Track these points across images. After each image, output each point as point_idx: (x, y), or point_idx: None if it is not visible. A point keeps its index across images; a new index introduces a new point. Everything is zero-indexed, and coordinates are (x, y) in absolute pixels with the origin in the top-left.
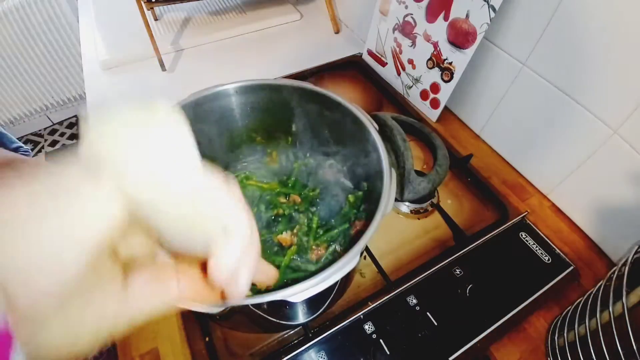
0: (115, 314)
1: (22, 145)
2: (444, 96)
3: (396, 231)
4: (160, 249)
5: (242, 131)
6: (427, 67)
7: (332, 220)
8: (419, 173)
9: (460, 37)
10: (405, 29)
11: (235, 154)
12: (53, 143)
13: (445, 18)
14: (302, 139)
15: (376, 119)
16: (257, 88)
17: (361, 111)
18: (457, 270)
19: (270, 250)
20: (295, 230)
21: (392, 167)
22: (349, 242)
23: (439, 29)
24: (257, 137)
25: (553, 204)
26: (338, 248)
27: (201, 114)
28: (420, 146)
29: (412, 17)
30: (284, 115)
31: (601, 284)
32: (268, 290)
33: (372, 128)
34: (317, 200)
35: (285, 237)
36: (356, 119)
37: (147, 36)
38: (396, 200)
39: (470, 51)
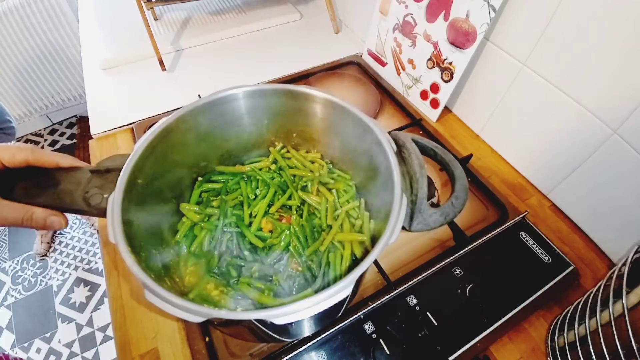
0: None
1: (11, 120)
2: (444, 96)
3: None
4: None
5: (250, 134)
6: (427, 67)
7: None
8: (432, 202)
9: (460, 37)
10: (405, 29)
11: (250, 153)
12: (53, 143)
13: (445, 18)
14: (315, 148)
15: (396, 139)
16: (266, 93)
17: (381, 129)
18: (457, 270)
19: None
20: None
21: (405, 193)
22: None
23: (439, 29)
24: (270, 141)
25: (553, 204)
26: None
27: (211, 116)
28: (437, 169)
29: (412, 17)
30: (298, 122)
31: (601, 284)
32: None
33: (389, 148)
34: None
35: (267, 224)
36: (375, 138)
37: (147, 36)
38: (403, 229)
39: (470, 51)
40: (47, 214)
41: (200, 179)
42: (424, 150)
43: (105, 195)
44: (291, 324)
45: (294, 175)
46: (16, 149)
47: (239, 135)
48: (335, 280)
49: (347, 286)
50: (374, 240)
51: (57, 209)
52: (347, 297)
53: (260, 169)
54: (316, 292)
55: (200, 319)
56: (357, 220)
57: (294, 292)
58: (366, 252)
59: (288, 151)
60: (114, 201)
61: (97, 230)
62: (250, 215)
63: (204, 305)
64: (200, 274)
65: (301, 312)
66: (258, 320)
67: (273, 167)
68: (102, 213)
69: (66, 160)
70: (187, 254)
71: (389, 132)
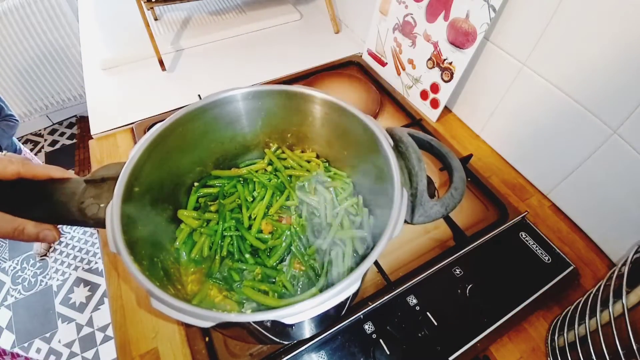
0: None
1: (12, 113)
2: (444, 96)
3: None
4: None
5: (245, 136)
6: (427, 67)
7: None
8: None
9: (460, 37)
10: (405, 29)
11: (245, 156)
12: (53, 143)
13: (445, 18)
14: (310, 147)
15: (392, 134)
16: (260, 94)
17: (377, 125)
18: (457, 270)
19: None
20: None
21: (404, 186)
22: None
23: (439, 29)
24: (264, 143)
25: (553, 204)
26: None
27: (205, 120)
28: (435, 163)
29: (412, 17)
30: (293, 121)
31: (601, 284)
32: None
33: (386, 144)
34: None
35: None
36: (371, 134)
37: (147, 36)
38: (405, 222)
39: (470, 51)
40: (40, 228)
41: (196, 184)
42: (420, 144)
43: (101, 205)
44: (292, 326)
45: (291, 176)
46: (7, 161)
47: (233, 138)
48: (339, 277)
49: (355, 281)
50: (374, 236)
51: (52, 221)
52: (355, 293)
53: (256, 171)
54: (321, 290)
55: (210, 324)
56: (357, 217)
57: (298, 292)
58: (368, 248)
59: (283, 152)
60: (113, 211)
61: (97, 231)
62: (250, 217)
63: (213, 310)
64: (202, 280)
65: (311, 310)
66: (259, 323)
67: (269, 168)
68: (98, 223)
69: (57, 172)
70: (188, 260)
71: (385, 128)
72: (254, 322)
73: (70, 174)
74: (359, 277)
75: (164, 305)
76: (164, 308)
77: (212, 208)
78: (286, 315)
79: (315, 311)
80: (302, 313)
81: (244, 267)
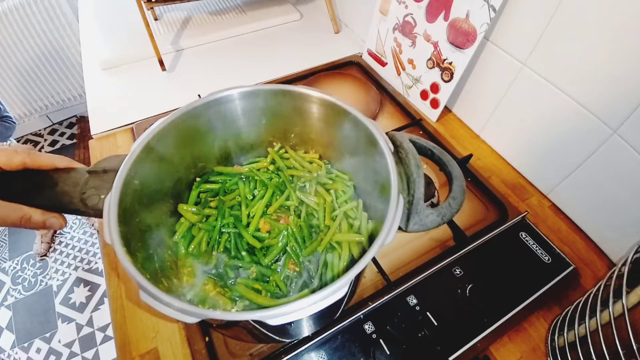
0: None
1: (9, 115)
2: (444, 96)
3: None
4: None
5: (248, 135)
6: (427, 67)
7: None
8: (432, 202)
9: (460, 37)
10: (405, 29)
11: (248, 154)
12: (53, 143)
13: (445, 18)
14: (314, 148)
15: (393, 139)
16: (263, 93)
17: (378, 129)
18: (457, 270)
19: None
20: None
21: (401, 193)
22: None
23: (439, 29)
24: (268, 142)
25: (553, 204)
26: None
27: (209, 117)
28: (438, 169)
29: (412, 17)
30: (296, 122)
31: (601, 284)
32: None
33: (386, 148)
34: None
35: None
36: (372, 138)
37: (147, 36)
38: (400, 229)
39: (470, 51)
40: (46, 217)
41: (198, 179)
42: (422, 151)
43: (102, 196)
44: (290, 324)
45: (292, 176)
46: (13, 152)
47: (237, 136)
48: (333, 280)
49: (341, 287)
50: (372, 240)
51: (55, 209)
52: (345, 297)
53: (258, 170)
54: (313, 292)
55: (194, 320)
56: (356, 220)
57: (291, 293)
58: (364, 253)
59: (286, 151)
60: (110, 202)
61: (97, 230)
62: (248, 215)
63: (199, 306)
64: (198, 275)
65: (296, 313)
66: (256, 321)
67: (271, 167)
68: (99, 214)
69: (63, 162)
70: (185, 254)
71: (387, 133)
72: (242, 320)
73: (75, 163)
74: (346, 283)
75: (150, 298)
76: (150, 301)
77: (212, 204)
78: (270, 316)
79: (299, 315)
80: (286, 315)
81: (240, 265)
